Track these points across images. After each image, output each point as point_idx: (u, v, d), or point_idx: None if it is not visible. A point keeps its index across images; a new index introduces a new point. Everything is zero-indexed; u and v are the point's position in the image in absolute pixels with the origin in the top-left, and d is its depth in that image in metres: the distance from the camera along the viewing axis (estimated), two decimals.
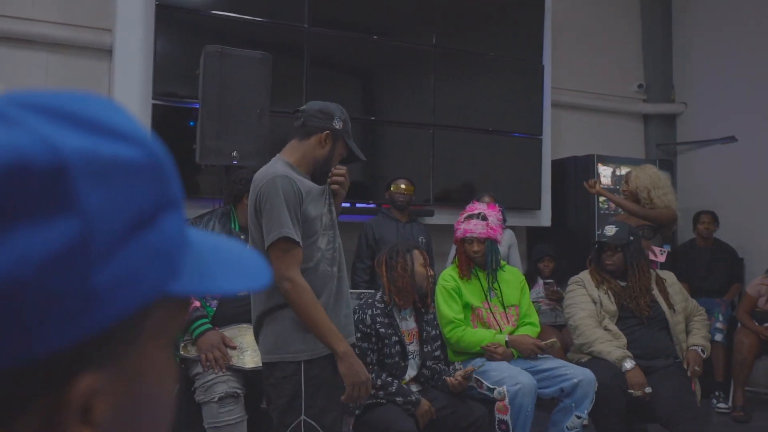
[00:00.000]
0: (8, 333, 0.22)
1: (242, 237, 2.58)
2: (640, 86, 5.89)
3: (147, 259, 0.27)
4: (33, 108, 0.25)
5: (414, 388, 2.64)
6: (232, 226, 2.64)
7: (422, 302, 2.74)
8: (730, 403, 4.16)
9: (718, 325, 4.28)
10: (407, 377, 2.67)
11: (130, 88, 3.57)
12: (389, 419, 2.40)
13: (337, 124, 1.96)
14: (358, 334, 2.55)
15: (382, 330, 2.58)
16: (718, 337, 4.15)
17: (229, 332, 2.42)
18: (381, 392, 2.49)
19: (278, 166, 1.87)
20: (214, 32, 3.65)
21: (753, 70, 5.39)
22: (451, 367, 2.81)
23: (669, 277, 3.21)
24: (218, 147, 3.20)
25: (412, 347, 2.67)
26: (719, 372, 4.19)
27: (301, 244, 1.80)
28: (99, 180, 0.25)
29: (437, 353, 2.77)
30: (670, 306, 3.04)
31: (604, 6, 5.89)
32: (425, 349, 2.72)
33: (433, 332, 2.80)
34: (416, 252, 2.70)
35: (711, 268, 4.71)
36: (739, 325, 4.31)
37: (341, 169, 2.05)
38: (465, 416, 2.57)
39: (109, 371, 0.26)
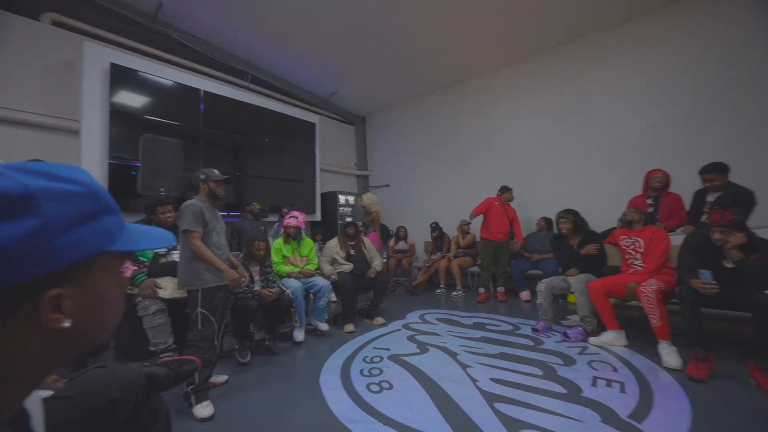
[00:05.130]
0: (8, 266, 0.32)
1: None
2: (355, 163, 8.59)
3: (89, 234, 0.39)
4: (16, 168, 0.37)
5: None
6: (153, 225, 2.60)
7: (263, 258, 3.49)
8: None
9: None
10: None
11: (92, 154, 4.21)
12: (246, 304, 3.06)
13: (202, 176, 2.56)
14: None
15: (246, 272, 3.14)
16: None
17: (159, 280, 2.86)
18: (241, 294, 3.12)
19: (193, 200, 2.46)
20: (147, 126, 4.48)
21: (398, 157, 8.03)
22: (275, 284, 3.48)
23: (367, 241, 4.35)
24: (152, 185, 4.12)
25: (257, 278, 3.40)
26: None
27: (199, 231, 2.39)
28: (52, 200, 0.36)
29: (270, 278, 3.48)
30: (368, 251, 4.32)
31: (340, 129, 8.26)
32: (262, 278, 3.45)
33: (269, 269, 3.53)
34: (260, 241, 3.44)
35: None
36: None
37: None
38: (280, 302, 3.29)
39: (72, 285, 0.38)
